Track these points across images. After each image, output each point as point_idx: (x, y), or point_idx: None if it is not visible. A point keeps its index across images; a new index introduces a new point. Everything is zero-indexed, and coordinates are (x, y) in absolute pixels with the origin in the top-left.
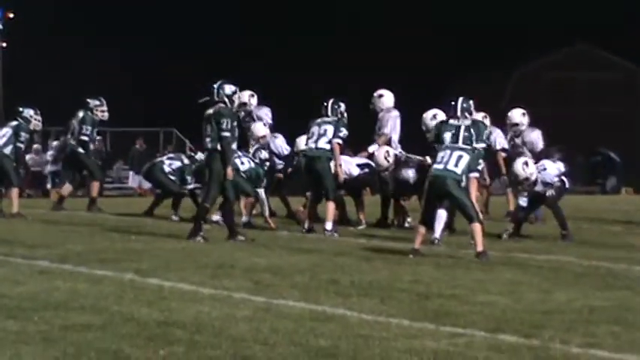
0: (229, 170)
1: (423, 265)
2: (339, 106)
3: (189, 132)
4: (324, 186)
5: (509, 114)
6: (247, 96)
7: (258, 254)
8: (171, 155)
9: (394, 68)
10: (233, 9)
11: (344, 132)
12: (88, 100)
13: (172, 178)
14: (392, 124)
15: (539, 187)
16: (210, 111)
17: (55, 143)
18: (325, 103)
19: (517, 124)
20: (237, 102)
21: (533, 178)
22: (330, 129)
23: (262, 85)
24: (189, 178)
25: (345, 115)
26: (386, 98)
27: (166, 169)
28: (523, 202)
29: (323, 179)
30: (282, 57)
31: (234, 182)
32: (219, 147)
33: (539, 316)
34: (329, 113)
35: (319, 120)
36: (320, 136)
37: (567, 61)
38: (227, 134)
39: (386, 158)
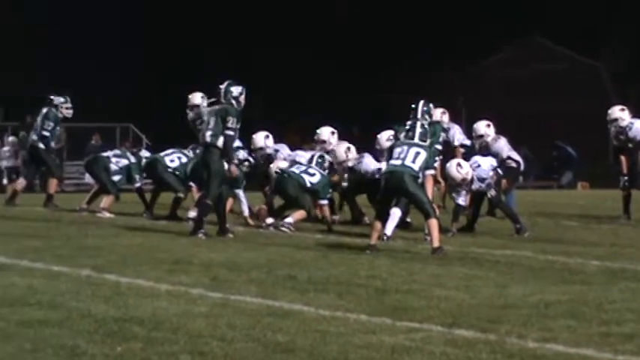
0: (233, 167)
1: (380, 260)
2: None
3: (146, 127)
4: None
5: (475, 126)
6: (199, 97)
7: (215, 250)
8: (117, 152)
9: (342, 67)
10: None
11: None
12: (52, 97)
13: (116, 178)
14: None
15: (476, 185)
16: (217, 107)
17: (11, 139)
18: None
19: (482, 136)
20: (243, 102)
21: (469, 177)
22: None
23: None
24: (137, 176)
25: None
26: None
27: (113, 167)
28: (462, 201)
29: None
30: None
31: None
32: (219, 143)
33: (495, 311)
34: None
35: None
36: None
37: (520, 56)
38: (231, 133)
39: (346, 153)
